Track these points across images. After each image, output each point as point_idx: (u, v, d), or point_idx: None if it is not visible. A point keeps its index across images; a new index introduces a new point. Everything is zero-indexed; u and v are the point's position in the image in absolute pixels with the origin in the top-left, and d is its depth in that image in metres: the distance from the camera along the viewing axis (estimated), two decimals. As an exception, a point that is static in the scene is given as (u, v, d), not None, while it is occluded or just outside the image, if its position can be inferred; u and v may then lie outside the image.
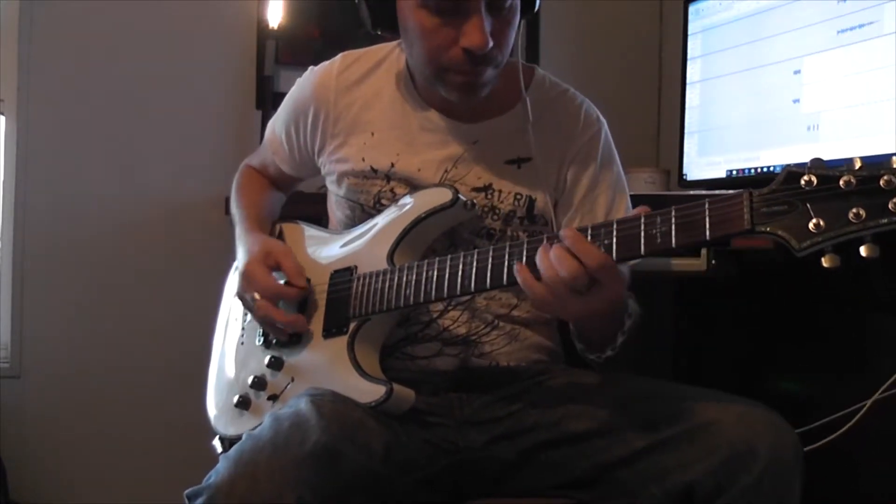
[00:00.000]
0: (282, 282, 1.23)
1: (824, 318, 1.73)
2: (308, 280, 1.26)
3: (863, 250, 0.80)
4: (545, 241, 1.00)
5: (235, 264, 1.34)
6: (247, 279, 1.23)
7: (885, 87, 1.48)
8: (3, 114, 2.23)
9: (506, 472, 1.18)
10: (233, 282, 1.41)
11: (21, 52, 2.20)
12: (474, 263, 1.08)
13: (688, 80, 1.99)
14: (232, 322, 1.37)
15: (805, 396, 1.78)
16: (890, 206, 0.78)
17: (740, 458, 0.99)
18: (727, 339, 1.92)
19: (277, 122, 1.40)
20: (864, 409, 1.19)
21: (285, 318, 1.20)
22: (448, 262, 1.10)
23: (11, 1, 2.20)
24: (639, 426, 1.08)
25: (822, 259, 0.81)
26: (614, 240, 0.96)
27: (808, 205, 0.83)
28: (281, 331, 1.22)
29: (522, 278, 0.99)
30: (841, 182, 0.81)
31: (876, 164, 0.81)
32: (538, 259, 0.98)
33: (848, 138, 1.56)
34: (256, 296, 1.21)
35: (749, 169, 1.78)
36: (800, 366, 1.80)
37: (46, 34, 2.20)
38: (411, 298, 1.13)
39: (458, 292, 1.09)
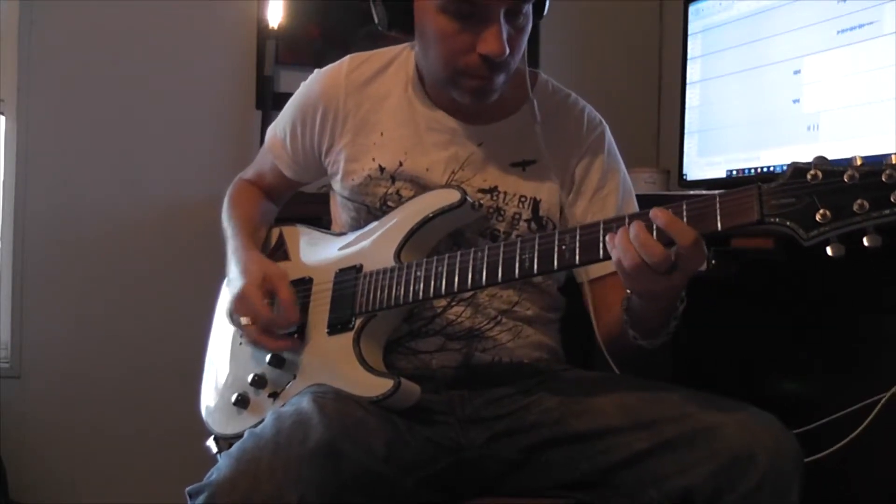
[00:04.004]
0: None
1: (824, 318, 1.73)
2: (310, 279, 1.27)
3: (866, 240, 0.84)
4: (607, 231, 0.99)
5: (227, 277, 1.33)
6: (241, 301, 1.22)
7: (885, 87, 1.48)
8: (3, 114, 2.23)
9: (506, 472, 1.18)
10: (226, 290, 1.40)
11: (21, 52, 2.20)
12: (485, 259, 1.09)
13: (688, 80, 1.99)
14: (227, 324, 1.36)
15: (805, 398, 1.78)
16: (892, 198, 0.81)
17: (740, 464, 0.99)
18: (727, 340, 1.92)
19: (279, 125, 1.40)
20: (875, 411, 1.18)
21: (274, 344, 1.21)
22: (458, 258, 1.12)
23: (11, 1, 2.20)
24: (640, 428, 1.08)
25: (828, 248, 0.85)
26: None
27: (815, 197, 0.86)
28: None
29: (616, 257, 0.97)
30: (845, 177, 0.84)
31: (876, 161, 0.84)
32: (617, 243, 0.96)
33: (848, 138, 1.56)
34: (244, 320, 1.21)
35: (749, 169, 1.78)
36: (799, 367, 1.80)
37: (46, 34, 2.20)
38: (420, 294, 1.13)
39: (469, 286, 1.10)
